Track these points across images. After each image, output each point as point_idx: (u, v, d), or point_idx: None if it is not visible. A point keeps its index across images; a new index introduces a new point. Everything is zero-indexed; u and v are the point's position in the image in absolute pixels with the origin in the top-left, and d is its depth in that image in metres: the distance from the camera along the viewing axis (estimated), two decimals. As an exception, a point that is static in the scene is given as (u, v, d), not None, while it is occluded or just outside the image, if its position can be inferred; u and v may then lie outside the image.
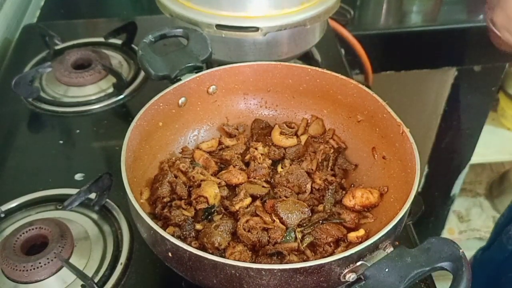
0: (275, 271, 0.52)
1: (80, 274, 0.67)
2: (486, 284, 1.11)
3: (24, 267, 0.67)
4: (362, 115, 0.76)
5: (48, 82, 1.04)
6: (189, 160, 0.76)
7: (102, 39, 1.15)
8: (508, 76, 1.90)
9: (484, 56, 1.18)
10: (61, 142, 0.94)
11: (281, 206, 0.68)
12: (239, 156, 0.78)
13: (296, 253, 0.64)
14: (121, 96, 1.01)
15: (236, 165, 0.75)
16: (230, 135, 0.82)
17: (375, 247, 0.55)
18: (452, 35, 1.49)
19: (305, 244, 0.65)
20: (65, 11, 1.43)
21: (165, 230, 0.61)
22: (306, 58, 1.09)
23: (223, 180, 0.73)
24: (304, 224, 0.68)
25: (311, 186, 0.73)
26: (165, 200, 0.70)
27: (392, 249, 0.55)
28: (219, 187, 0.71)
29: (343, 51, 1.23)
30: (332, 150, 0.79)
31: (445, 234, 2.10)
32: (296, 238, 0.65)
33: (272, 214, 0.68)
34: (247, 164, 0.76)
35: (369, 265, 0.54)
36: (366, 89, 0.74)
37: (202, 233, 0.65)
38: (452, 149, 1.77)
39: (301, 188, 0.73)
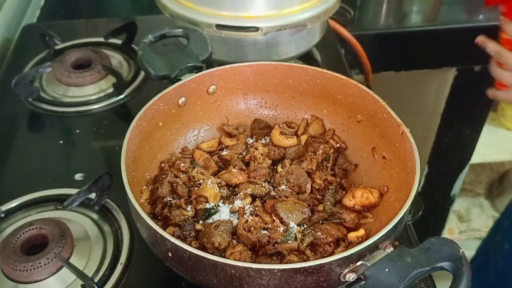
0: (275, 271, 0.52)
1: (80, 274, 0.67)
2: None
3: (24, 267, 0.67)
4: (362, 115, 0.76)
5: (48, 82, 1.04)
6: (189, 160, 0.76)
7: (102, 39, 1.15)
8: (508, 76, 1.89)
9: (484, 56, 1.18)
10: (61, 142, 0.94)
11: (281, 206, 0.68)
12: (239, 156, 0.78)
13: (296, 253, 0.64)
14: (121, 96, 1.01)
15: (236, 165, 0.75)
16: (230, 135, 0.82)
17: (375, 247, 0.55)
18: (452, 35, 1.49)
19: (305, 244, 0.65)
20: (65, 11, 1.43)
21: (165, 230, 0.61)
22: (306, 58, 1.09)
23: (223, 180, 0.73)
24: (304, 224, 0.68)
25: (311, 186, 0.73)
26: (165, 200, 0.70)
27: (392, 249, 0.55)
28: (219, 187, 0.71)
29: (343, 51, 1.23)
30: (332, 150, 0.78)
31: (445, 234, 2.10)
32: (296, 238, 0.65)
33: (272, 214, 0.68)
34: (247, 164, 0.76)
35: (369, 265, 0.54)
36: (366, 89, 0.74)
37: (202, 233, 0.65)
38: (452, 149, 1.77)
39: (301, 188, 0.73)
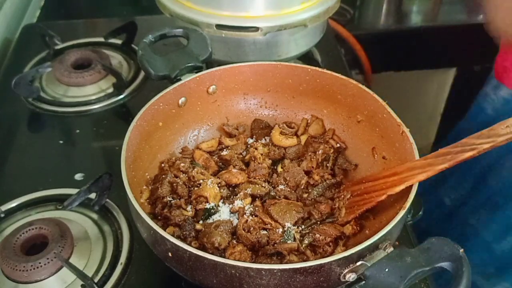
0: (275, 271, 0.52)
1: (80, 274, 0.67)
2: None
3: (24, 267, 0.67)
4: (362, 115, 0.76)
5: (48, 82, 1.04)
6: (189, 160, 0.76)
7: (102, 39, 1.15)
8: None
9: (484, 56, 1.18)
10: (61, 142, 0.94)
11: (274, 208, 0.68)
12: (239, 156, 0.78)
13: (296, 253, 0.64)
14: (121, 96, 1.01)
15: (236, 165, 0.75)
16: (230, 135, 0.82)
17: (375, 247, 0.55)
18: (452, 35, 1.49)
19: (304, 245, 0.65)
20: (65, 11, 1.43)
21: (165, 230, 0.61)
22: (306, 58, 1.09)
23: (223, 180, 0.73)
24: (302, 225, 0.68)
25: (306, 182, 0.74)
26: (165, 200, 0.70)
27: (392, 249, 0.55)
28: (219, 187, 0.71)
29: (343, 51, 1.23)
30: (332, 150, 0.78)
31: (445, 234, 2.09)
32: (294, 238, 0.65)
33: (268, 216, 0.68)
34: (247, 164, 0.76)
35: (369, 265, 0.54)
36: (366, 89, 0.74)
37: (202, 233, 0.65)
38: (452, 149, 1.77)
39: (299, 186, 0.73)
